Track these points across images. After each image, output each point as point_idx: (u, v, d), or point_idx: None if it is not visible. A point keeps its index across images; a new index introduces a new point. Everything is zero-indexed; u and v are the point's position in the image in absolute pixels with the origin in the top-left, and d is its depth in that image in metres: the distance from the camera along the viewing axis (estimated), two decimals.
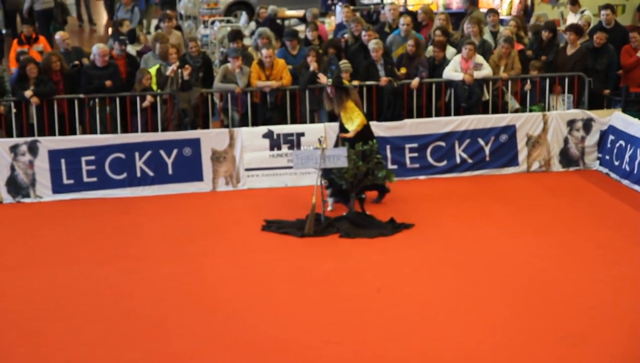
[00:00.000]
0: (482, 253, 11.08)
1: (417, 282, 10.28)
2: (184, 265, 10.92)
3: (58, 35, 15.04)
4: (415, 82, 14.30)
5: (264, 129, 13.94)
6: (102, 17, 27.98)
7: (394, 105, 14.25)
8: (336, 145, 12.57)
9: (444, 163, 14.24)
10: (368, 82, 14.21)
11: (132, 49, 15.11)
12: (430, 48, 14.82)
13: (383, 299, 9.82)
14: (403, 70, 14.37)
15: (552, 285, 10.07)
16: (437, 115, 14.51)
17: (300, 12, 20.60)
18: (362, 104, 14.17)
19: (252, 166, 13.88)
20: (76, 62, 14.13)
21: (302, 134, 13.93)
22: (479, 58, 14.38)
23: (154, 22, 21.16)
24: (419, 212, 12.55)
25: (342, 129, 12.51)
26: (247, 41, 16.08)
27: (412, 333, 8.99)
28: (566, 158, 14.51)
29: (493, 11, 16.40)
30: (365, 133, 12.39)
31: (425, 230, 11.96)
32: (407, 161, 14.18)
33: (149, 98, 13.79)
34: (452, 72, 14.32)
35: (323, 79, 12.71)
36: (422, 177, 14.19)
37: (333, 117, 13.97)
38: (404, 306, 9.62)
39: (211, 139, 13.74)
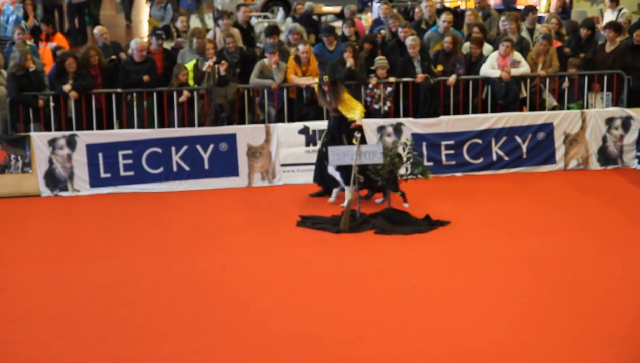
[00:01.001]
0: (519, 252, 11.01)
1: (452, 280, 10.24)
2: (219, 260, 10.94)
3: (97, 30, 15.13)
4: (452, 78, 14.24)
5: (300, 124, 13.95)
6: (140, 12, 28.11)
7: (430, 102, 14.20)
8: (334, 142, 12.49)
9: (481, 160, 14.18)
10: (404, 79, 14.17)
11: (166, 45, 15.15)
12: (467, 45, 14.75)
13: (418, 296, 9.79)
14: (440, 67, 14.32)
15: (589, 284, 9.99)
16: (474, 112, 14.45)
17: (336, 8, 20.59)
18: (398, 100, 14.19)
19: (288, 162, 13.89)
20: (113, 57, 14.21)
21: None
22: (517, 55, 14.30)
23: (208, 17, 21.24)
24: (455, 209, 12.50)
25: (336, 127, 12.55)
26: (283, 37, 16.07)
27: (447, 330, 8.95)
28: (604, 156, 14.39)
29: (531, 8, 16.29)
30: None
31: (461, 227, 11.91)
32: (444, 158, 14.14)
33: (185, 93, 13.85)
34: (490, 69, 14.25)
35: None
36: (458, 174, 14.14)
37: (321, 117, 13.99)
38: (440, 303, 9.58)
39: (247, 134, 13.78)
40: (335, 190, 12.62)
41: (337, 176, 12.48)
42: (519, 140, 14.19)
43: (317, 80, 13.66)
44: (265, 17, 21.47)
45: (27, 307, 9.61)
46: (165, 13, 18.38)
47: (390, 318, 9.23)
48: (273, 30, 14.71)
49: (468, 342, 8.69)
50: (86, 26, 22.99)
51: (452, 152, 14.15)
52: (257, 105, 14.39)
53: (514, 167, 14.23)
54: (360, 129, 12.34)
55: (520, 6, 19.60)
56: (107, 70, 14.04)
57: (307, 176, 13.85)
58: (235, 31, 15.21)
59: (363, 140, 12.28)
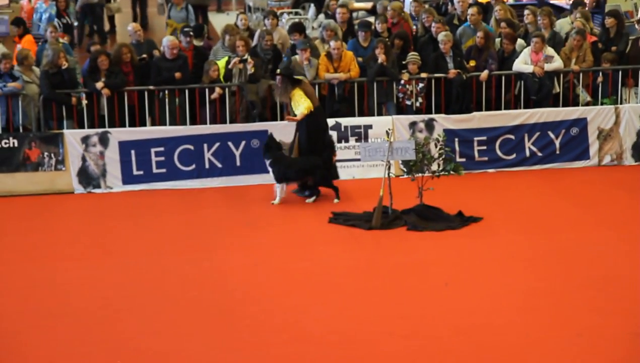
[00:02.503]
0: (552, 248, 10.93)
1: (485, 276, 10.18)
2: (251, 256, 10.95)
3: (130, 27, 15.17)
4: (484, 74, 14.15)
5: (331, 121, 13.91)
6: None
7: (462, 98, 14.12)
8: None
9: (513, 156, 14.09)
10: (436, 75, 14.10)
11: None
12: (499, 40, 14.66)
13: (451, 293, 9.74)
14: (472, 63, 14.24)
15: (623, 281, 9.89)
16: (507, 108, 14.35)
17: (369, 4, 20.52)
18: (430, 96, 14.12)
19: None
20: (144, 56, 14.23)
21: (370, 127, 13.89)
22: (550, 50, 14.19)
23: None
24: (488, 206, 12.42)
25: (308, 129, 12.63)
26: (315, 33, 16.05)
27: (480, 327, 8.90)
28: (638, 151, 14.24)
29: (580, 2, 16.04)
30: (316, 120, 12.62)
31: (493, 223, 11.84)
32: (476, 154, 14.06)
33: (217, 90, 13.86)
34: (522, 64, 14.14)
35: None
36: (490, 170, 14.06)
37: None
38: (472, 300, 9.53)
39: (279, 131, 13.75)
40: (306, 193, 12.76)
41: (270, 172, 12.58)
42: (552, 135, 14.08)
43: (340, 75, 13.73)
44: (297, 13, 21.46)
45: (60, 304, 9.68)
46: (187, 14, 18.33)
47: (422, 315, 9.20)
48: (296, 27, 14.69)
49: (501, 339, 8.64)
50: (103, 25, 23.09)
51: (484, 148, 14.06)
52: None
53: (547, 163, 14.12)
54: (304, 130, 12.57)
55: (554, 2, 19.41)
56: (140, 67, 14.08)
57: (339, 173, 13.80)
58: (283, 31, 15.16)
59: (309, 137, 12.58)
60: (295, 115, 12.70)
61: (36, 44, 15.76)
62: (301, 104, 12.55)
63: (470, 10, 14.87)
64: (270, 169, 12.62)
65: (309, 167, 12.68)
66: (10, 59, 13.52)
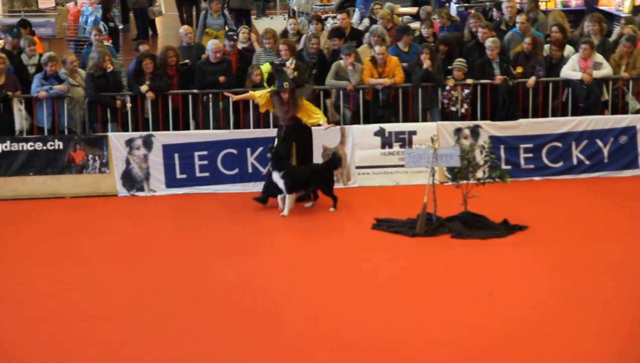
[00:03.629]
0: (599, 258, 10.76)
1: (530, 285, 10.04)
2: (293, 261, 10.91)
3: (182, 30, 15.19)
4: (531, 80, 13.99)
5: (375, 126, 13.84)
6: None
7: (508, 105, 13.98)
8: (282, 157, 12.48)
9: (560, 164, 13.91)
10: (482, 81, 13.97)
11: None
12: (548, 47, 14.48)
13: (495, 302, 9.62)
14: (519, 69, 14.08)
15: None
16: (554, 115, 14.18)
17: (413, 9, 20.42)
18: (475, 102, 14.00)
19: (364, 164, 13.79)
20: (187, 61, 14.21)
21: (414, 133, 13.78)
22: (599, 57, 13.99)
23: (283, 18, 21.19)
24: (533, 214, 12.27)
25: (289, 135, 12.53)
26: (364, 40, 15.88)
27: (524, 337, 8.77)
28: None
29: None
30: (306, 130, 12.64)
31: (539, 232, 11.69)
32: (522, 161, 13.90)
33: None
34: (571, 71, 13.96)
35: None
36: (537, 178, 13.89)
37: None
38: (517, 309, 9.40)
39: (322, 136, 13.70)
40: (279, 197, 12.59)
41: (280, 184, 12.41)
42: (600, 144, 13.88)
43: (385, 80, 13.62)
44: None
45: (103, 306, 9.69)
46: (225, 20, 18.30)
47: (466, 323, 9.09)
48: (337, 32, 14.62)
49: (546, 350, 8.51)
50: (148, 28, 23.20)
51: (530, 155, 13.90)
52: (333, 107, 14.31)
53: (595, 171, 13.92)
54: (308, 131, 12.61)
55: (603, 7, 19.19)
56: (184, 70, 14.08)
57: (382, 179, 13.75)
58: (324, 34, 15.10)
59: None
60: (299, 123, 12.62)
61: (41, 46, 15.77)
62: (317, 112, 12.61)
63: (519, 18, 14.70)
64: (282, 181, 12.45)
65: (317, 175, 12.63)
66: (56, 62, 13.58)
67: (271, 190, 12.67)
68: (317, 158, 13.65)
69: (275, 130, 13.66)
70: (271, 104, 12.74)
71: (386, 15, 15.50)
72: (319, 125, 12.75)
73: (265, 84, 13.90)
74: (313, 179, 12.64)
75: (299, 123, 12.65)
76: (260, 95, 12.80)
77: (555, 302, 9.58)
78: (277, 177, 12.43)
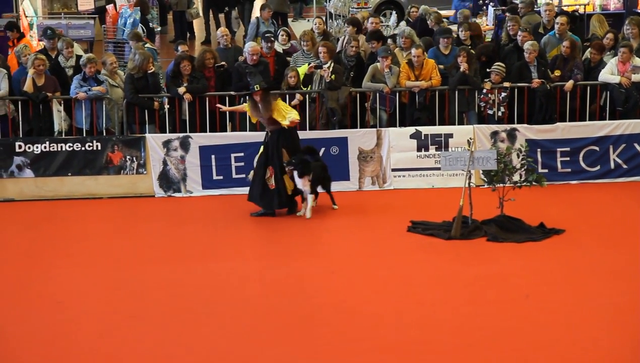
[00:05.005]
0: (636, 262, 10.67)
1: (567, 289, 9.99)
2: (329, 263, 10.92)
3: (219, 31, 15.26)
4: (569, 84, 13.92)
5: (411, 129, 13.83)
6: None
7: (546, 108, 13.92)
8: (271, 160, 12.38)
9: (597, 168, 13.83)
10: (520, 84, 13.91)
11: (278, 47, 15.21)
12: (587, 50, 14.40)
13: (531, 305, 9.58)
14: (557, 73, 14.01)
15: None
16: (591, 118, 14.09)
17: (450, 12, 20.38)
18: (512, 106, 13.94)
19: (399, 166, 13.79)
20: (223, 63, 14.26)
21: (451, 135, 13.76)
22: (638, 60, 13.88)
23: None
24: (570, 218, 12.21)
25: (274, 141, 12.35)
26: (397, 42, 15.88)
27: (560, 342, 8.73)
28: None
29: None
30: (292, 132, 12.44)
31: (576, 236, 11.62)
32: (559, 165, 13.83)
33: (297, 96, 13.87)
34: (609, 74, 13.87)
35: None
36: (573, 182, 13.82)
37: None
38: (553, 313, 9.36)
39: (358, 138, 13.73)
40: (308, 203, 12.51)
41: (306, 188, 12.38)
42: (638, 147, 13.78)
43: (422, 83, 13.59)
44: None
45: (141, 306, 9.77)
46: (276, 28, 18.33)
47: (502, 327, 9.06)
48: (375, 35, 14.61)
49: (582, 356, 8.45)
50: (186, 30, 23.33)
51: (567, 159, 13.84)
52: (369, 109, 14.33)
53: (633, 175, 13.82)
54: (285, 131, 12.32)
55: None
56: (221, 72, 14.14)
57: (418, 181, 13.74)
58: (362, 38, 15.11)
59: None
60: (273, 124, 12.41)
61: (33, 48, 15.84)
62: (290, 111, 12.41)
63: (559, 20, 14.61)
64: (307, 184, 12.42)
65: (322, 174, 12.66)
66: (95, 63, 13.70)
67: (268, 200, 12.46)
68: (353, 160, 13.69)
69: (312, 132, 13.79)
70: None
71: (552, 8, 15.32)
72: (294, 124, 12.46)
73: (301, 86, 13.96)
74: (319, 179, 12.64)
75: (283, 127, 12.41)
76: (247, 106, 12.67)
77: (592, 306, 9.52)
78: (302, 183, 12.37)
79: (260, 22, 17.75)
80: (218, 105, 13.42)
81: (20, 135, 13.73)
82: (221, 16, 23.51)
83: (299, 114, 12.82)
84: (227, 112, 13.68)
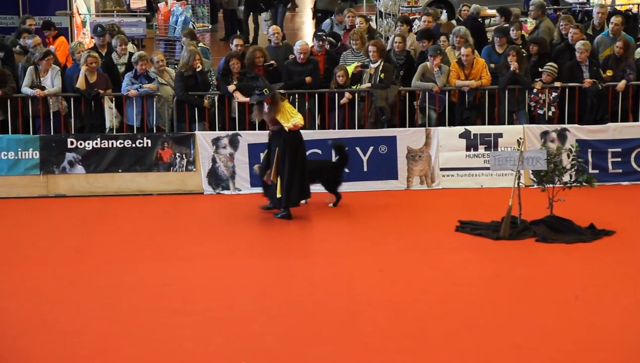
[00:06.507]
0: None
1: (617, 292, 9.88)
2: (376, 262, 10.91)
3: (271, 30, 15.30)
4: (621, 84, 13.76)
5: (461, 128, 13.78)
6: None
7: (597, 108, 13.79)
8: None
9: None
10: (571, 84, 13.79)
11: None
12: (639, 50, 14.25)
13: (581, 307, 9.50)
14: (609, 73, 13.86)
15: None
16: None
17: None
18: (563, 105, 13.84)
19: (448, 166, 13.74)
20: (272, 62, 14.28)
21: (500, 135, 13.69)
22: None
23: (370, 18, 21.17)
24: (621, 219, 12.08)
25: (276, 139, 12.27)
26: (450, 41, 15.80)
27: (611, 343, 8.64)
28: None
29: None
30: (297, 134, 12.35)
31: (627, 237, 11.50)
32: (610, 166, 13.70)
33: (347, 95, 13.88)
34: None
35: (239, 96, 13.18)
36: (624, 183, 13.68)
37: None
38: (603, 315, 9.26)
39: (407, 137, 13.70)
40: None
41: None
42: None
43: (472, 82, 13.51)
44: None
45: (188, 302, 9.83)
46: (332, 24, 18.34)
47: (551, 328, 8.99)
48: (424, 34, 14.56)
49: (635, 357, 8.35)
50: (236, 28, 23.38)
51: (619, 159, 13.70)
52: (418, 108, 14.29)
53: None
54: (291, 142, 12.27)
55: None
56: (271, 70, 14.17)
57: (467, 181, 13.68)
58: (413, 37, 15.08)
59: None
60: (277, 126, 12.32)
61: (68, 46, 15.96)
62: (296, 115, 12.32)
63: (614, 19, 14.42)
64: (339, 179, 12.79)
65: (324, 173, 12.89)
66: (146, 61, 13.82)
67: (286, 198, 12.34)
68: (402, 159, 13.66)
69: (360, 130, 13.78)
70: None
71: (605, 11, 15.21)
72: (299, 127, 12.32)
73: (350, 85, 13.95)
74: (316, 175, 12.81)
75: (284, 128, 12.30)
76: (301, 116, 12.53)
77: None
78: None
79: (334, 23, 17.74)
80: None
81: (72, 132, 13.91)
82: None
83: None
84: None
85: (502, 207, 11.70)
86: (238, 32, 23.11)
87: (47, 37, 16.05)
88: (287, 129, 12.18)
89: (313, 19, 23.33)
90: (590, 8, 18.35)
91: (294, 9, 28.54)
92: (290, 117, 12.22)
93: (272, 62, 14.19)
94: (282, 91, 13.02)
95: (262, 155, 12.78)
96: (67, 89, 13.89)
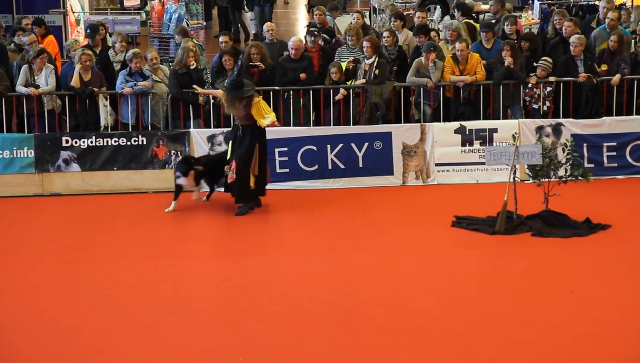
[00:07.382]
0: None
1: (613, 286, 9.90)
2: (372, 258, 10.91)
3: (265, 26, 15.29)
4: (616, 78, 13.78)
5: (456, 124, 13.78)
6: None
7: (592, 102, 13.80)
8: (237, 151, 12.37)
9: None
10: (565, 78, 13.80)
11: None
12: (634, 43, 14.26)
13: (577, 301, 9.52)
14: (604, 67, 13.87)
15: None
16: (639, 113, 13.94)
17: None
18: (558, 100, 13.84)
19: (443, 161, 13.74)
20: (258, 63, 14.14)
21: (495, 130, 13.70)
22: None
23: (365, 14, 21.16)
24: (616, 213, 12.10)
25: (247, 134, 12.28)
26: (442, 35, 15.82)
27: (607, 337, 8.66)
28: None
29: None
30: (263, 131, 12.42)
31: (622, 231, 11.52)
32: (605, 160, 13.71)
33: (341, 91, 13.88)
34: None
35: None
36: (620, 177, 13.69)
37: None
38: (599, 309, 9.29)
39: (402, 133, 13.70)
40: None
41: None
42: None
43: (466, 78, 13.51)
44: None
45: (185, 299, 9.83)
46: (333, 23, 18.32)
47: (547, 322, 9.01)
48: (423, 29, 14.56)
49: (629, 350, 8.37)
50: (231, 25, 23.33)
51: (614, 153, 13.70)
52: (413, 104, 14.29)
53: None
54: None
55: None
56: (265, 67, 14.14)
57: (462, 176, 13.69)
58: (409, 32, 15.05)
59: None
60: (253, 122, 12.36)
61: (58, 45, 15.93)
62: (270, 113, 12.37)
63: (610, 15, 14.44)
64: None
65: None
66: (140, 58, 13.80)
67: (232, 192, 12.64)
68: (397, 154, 13.67)
69: (355, 126, 13.77)
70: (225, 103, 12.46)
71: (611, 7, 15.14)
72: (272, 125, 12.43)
73: (346, 81, 13.95)
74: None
75: (255, 123, 12.33)
76: (222, 98, 12.57)
77: (637, 302, 9.42)
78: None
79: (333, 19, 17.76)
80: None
81: (67, 130, 13.90)
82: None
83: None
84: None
85: (498, 202, 11.71)
86: (232, 30, 23.11)
87: (36, 35, 16.01)
88: (262, 126, 12.21)
89: (308, 12, 23.32)
90: (585, 2, 18.39)
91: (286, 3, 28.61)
92: (265, 114, 12.28)
93: (258, 63, 14.02)
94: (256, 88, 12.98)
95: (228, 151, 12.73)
96: (61, 87, 13.88)
